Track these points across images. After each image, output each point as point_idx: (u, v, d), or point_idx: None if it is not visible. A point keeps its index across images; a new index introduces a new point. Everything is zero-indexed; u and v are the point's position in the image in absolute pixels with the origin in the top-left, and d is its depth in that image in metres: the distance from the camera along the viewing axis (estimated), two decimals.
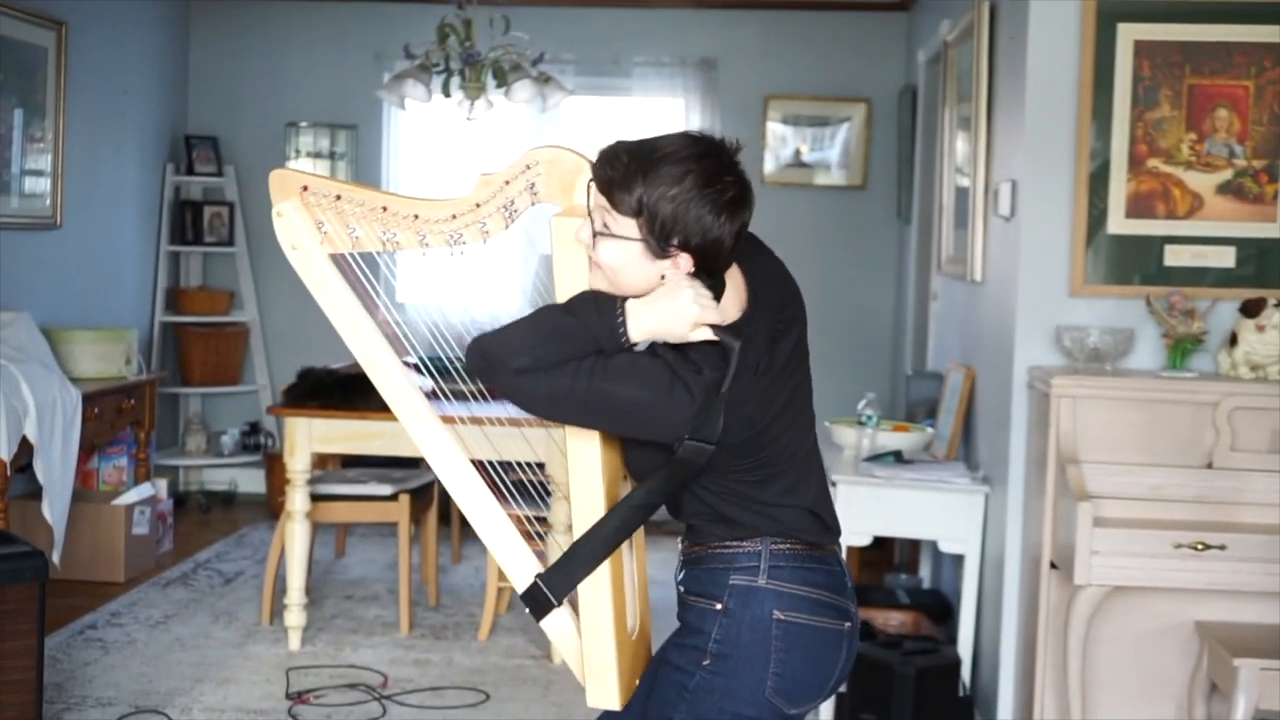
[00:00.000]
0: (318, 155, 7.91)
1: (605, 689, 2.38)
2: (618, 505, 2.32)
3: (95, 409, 5.94)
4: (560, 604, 2.38)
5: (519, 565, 2.42)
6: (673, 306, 2.21)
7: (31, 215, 6.27)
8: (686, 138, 2.22)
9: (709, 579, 2.36)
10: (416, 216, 2.40)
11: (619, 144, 2.23)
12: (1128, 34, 4.00)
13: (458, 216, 2.39)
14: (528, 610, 2.40)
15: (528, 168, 2.34)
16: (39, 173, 6.30)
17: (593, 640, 2.36)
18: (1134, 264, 4.04)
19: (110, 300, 7.11)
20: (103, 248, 7.03)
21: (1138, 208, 4.03)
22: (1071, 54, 4.03)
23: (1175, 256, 4.03)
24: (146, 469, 6.65)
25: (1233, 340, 3.89)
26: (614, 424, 2.27)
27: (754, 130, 7.68)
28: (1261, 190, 3.98)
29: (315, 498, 5.33)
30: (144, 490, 6.35)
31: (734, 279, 2.29)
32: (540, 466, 4.98)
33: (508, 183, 2.35)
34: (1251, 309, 3.84)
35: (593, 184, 2.25)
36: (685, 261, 2.21)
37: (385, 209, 2.41)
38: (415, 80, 6.12)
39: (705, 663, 2.33)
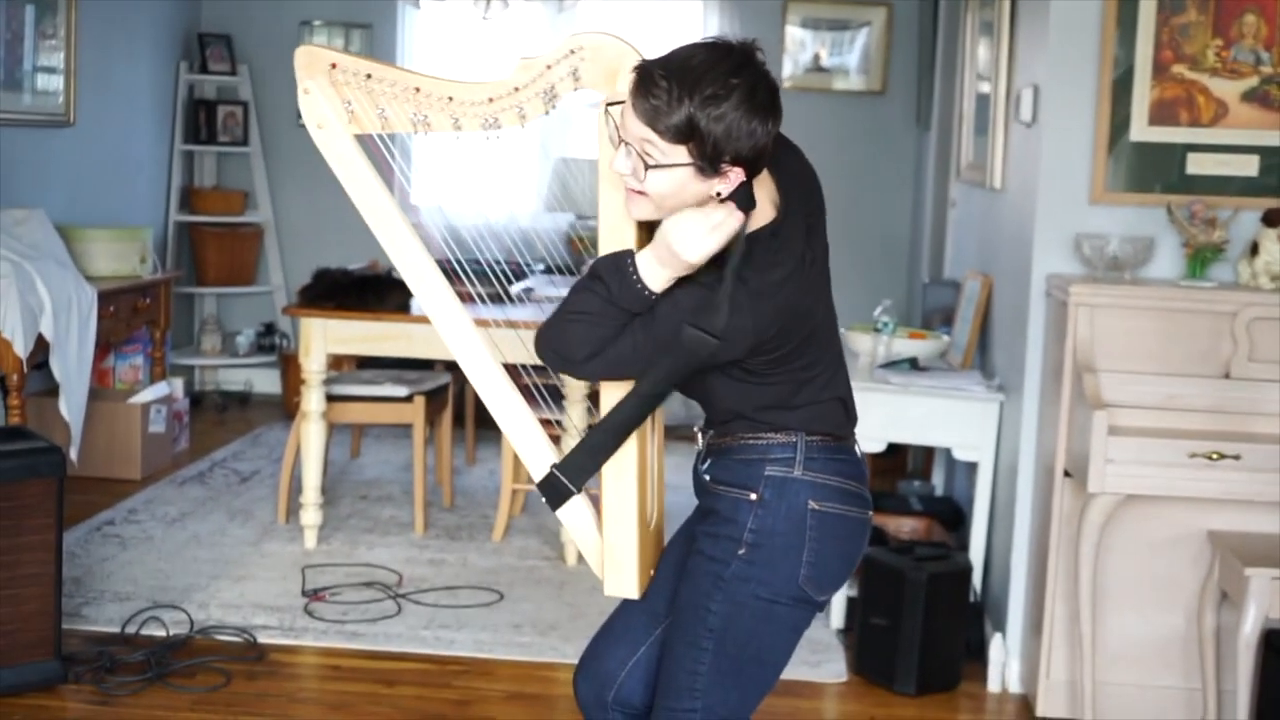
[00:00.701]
0: None
1: (625, 578, 2.40)
2: (626, 396, 2.33)
3: (111, 307, 5.95)
4: (578, 492, 2.40)
5: (537, 456, 2.43)
6: (682, 249, 2.19)
7: (44, 112, 6.23)
8: (715, 48, 2.17)
9: (743, 469, 2.37)
10: (451, 99, 2.36)
11: (649, 67, 2.17)
12: None
13: (494, 100, 2.34)
14: (544, 499, 2.42)
15: (571, 52, 2.29)
16: (51, 70, 6.25)
17: (615, 529, 2.38)
18: (1156, 172, 4.00)
19: (124, 199, 7.10)
20: (116, 146, 7.00)
21: (1161, 115, 3.98)
22: None
23: (1198, 165, 3.99)
24: (162, 368, 6.67)
25: (1254, 250, 3.86)
26: (687, 361, 2.26)
27: (773, 34, 7.59)
28: None
29: (330, 398, 5.35)
30: (160, 389, 6.38)
31: (763, 178, 2.27)
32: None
33: (549, 67, 2.30)
34: (1273, 218, 3.81)
35: (622, 111, 2.19)
36: (736, 174, 2.19)
37: (418, 90, 2.37)
38: None
39: (741, 552, 2.35)
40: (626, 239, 2.28)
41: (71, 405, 5.53)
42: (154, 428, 6.24)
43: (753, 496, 2.36)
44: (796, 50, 7.66)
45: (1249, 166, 3.97)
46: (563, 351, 2.29)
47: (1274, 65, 3.93)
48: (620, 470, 2.35)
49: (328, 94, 2.42)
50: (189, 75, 7.70)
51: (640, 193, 2.21)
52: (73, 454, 5.52)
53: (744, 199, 2.21)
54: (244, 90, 7.84)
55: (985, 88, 5.06)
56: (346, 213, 8.88)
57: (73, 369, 5.51)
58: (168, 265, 7.37)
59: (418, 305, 5.27)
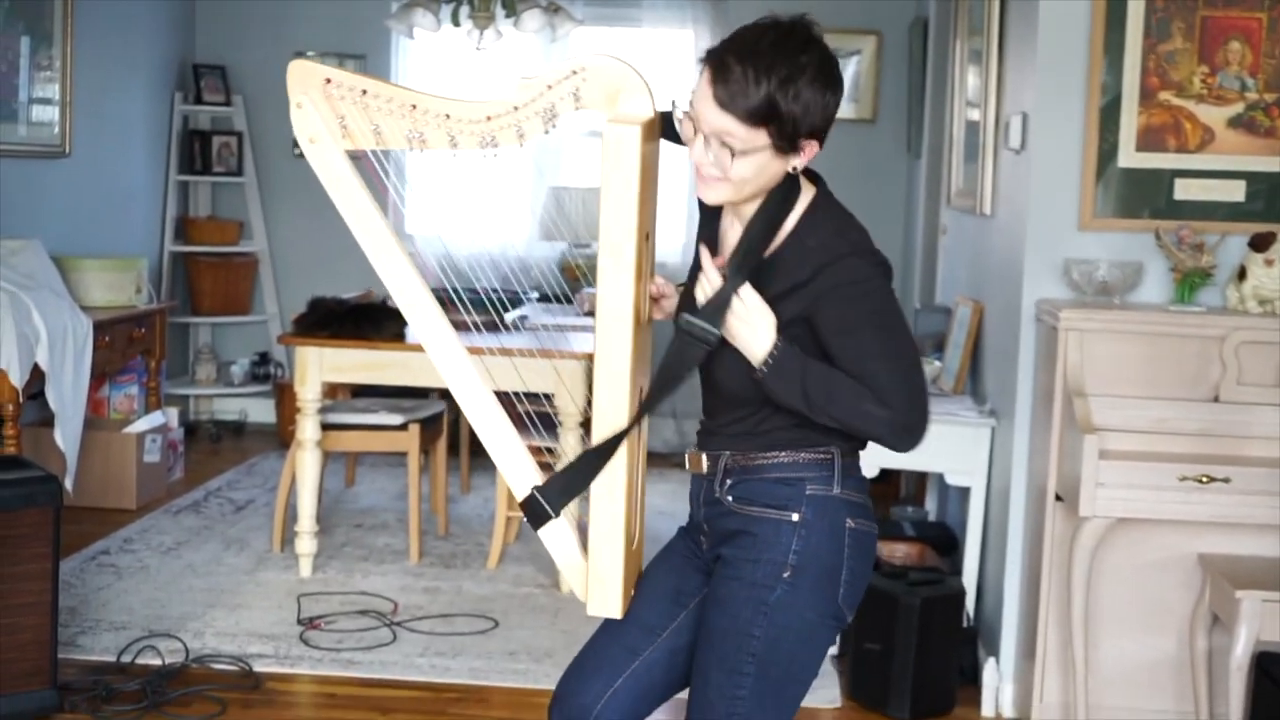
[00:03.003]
0: None
1: (609, 598, 2.39)
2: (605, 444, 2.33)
3: (106, 337, 5.97)
4: (555, 516, 2.39)
5: (521, 478, 2.43)
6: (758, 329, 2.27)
7: (40, 143, 6.27)
8: (778, 27, 2.22)
9: (780, 489, 2.36)
10: (448, 116, 2.35)
11: (721, 54, 2.21)
12: None
13: (493, 118, 2.33)
14: (526, 520, 2.42)
15: (573, 73, 2.30)
16: (47, 101, 6.29)
17: (601, 548, 2.37)
18: (1144, 198, 4.03)
19: (119, 229, 7.13)
20: (111, 176, 7.04)
21: (1148, 141, 4.01)
22: None
23: (1185, 190, 4.02)
24: (157, 398, 6.69)
25: (1241, 274, 3.89)
26: (679, 359, 2.30)
27: None
28: (1273, 124, 3.97)
29: (325, 427, 5.36)
30: (155, 419, 6.39)
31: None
32: (548, 398, 5.02)
33: (550, 86, 2.30)
34: (1260, 243, 3.84)
35: (693, 102, 2.24)
36: (812, 148, 2.27)
37: (414, 107, 2.36)
38: (424, 9, 6.10)
39: (785, 575, 2.33)
40: (627, 259, 2.28)
41: (67, 435, 5.54)
42: (149, 457, 6.25)
43: (794, 517, 2.34)
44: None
45: (1236, 192, 4.01)
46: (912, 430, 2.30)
47: (1259, 91, 3.96)
48: (610, 489, 2.34)
49: (321, 109, 2.41)
50: (184, 106, 7.74)
51: (720, 178, 2.26)
52: (68, 484, 5.54)
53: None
54: (238, 120, 7.88)
55: (974, 115, 5.10)
56: (341, 242, 8.88)
57: (68, 399, 5.53)
58: (163, 295, 7.39)
59: (412, 334, 5.31)
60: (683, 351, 2.29)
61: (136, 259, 6.53)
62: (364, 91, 2.39)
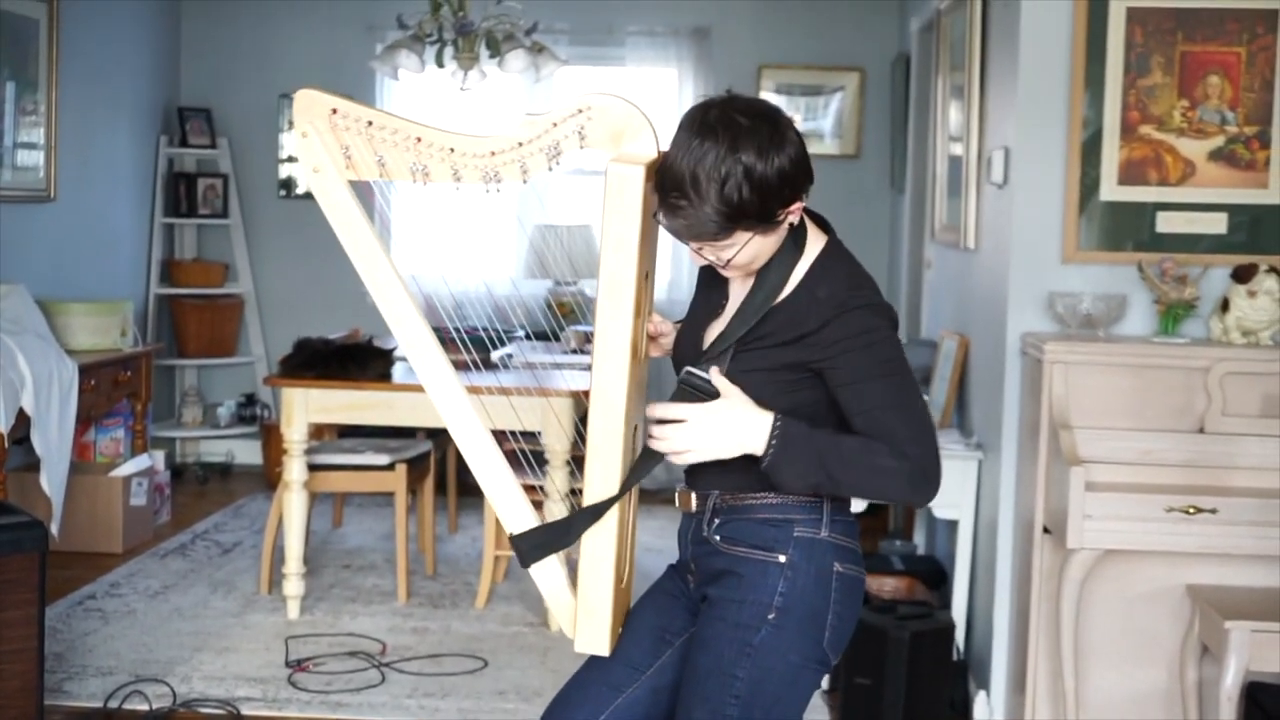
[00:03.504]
0: None
1: (598, 635, 2.38)
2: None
3: (92, 381, 5.96)
4: (525, 566, 2.40)
5: (516, 515, 2.42)
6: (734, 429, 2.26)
7: (25, 188, 6.27)
8: (686, 131, 2.21)
9: (767, 530, 2.35)
10: (452, 150, 2.35)
11: (659, 190, 2.23)
12: (1120, 1, 4.00)
13: (497, 154, 2.34)
14: (516, 555, 2.41)
15: (579, 111, 2.30)
16: (32, 145, 6.30)
17: (591, 584, 2.36)
18: (1126, 231, 4.06)
19: (105, 273, 7.12)
20: (97, 220, 7.04)
21: (1130, 175, 4.04)
22: (1064, 21, 4.04)
23: (1167, 223, 4.05)
24: (143, 441, 6.67)
25: (1224, 306, 3.92)
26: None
27: None
28: (1253, 156, 4.00)
29: (312, 468, 5.35)
30: (141, 462, 6.37)
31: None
32: (534, 435, 5.01)
33: (555, 124, 2.31)
34: (1243, 275, 3.87)
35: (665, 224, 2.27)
36: (796, 206, 2.26)
37: (419, 140, 2.36)
38: (408, 51, 6.12)
39: (770, 617, 2.32)
40: (627, 297, 2.29)
41: (53, 479, 5.53)
42: (135, 500, 6.23)
43: (781, 559, 2.33)
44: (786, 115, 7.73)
45: (1218, 224, 4.03)
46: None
47: (1239, 125, 4.00)
48: (601, 527, 2.35)
49: (326, 139, 2.41)
50: (169, 149, 7.75)
51: (726, 269, 2.31)
52: (54, 528, 5.51)
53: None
54: (224, 163, 7.89)
55: (957, 150, 5.13)
56: (327, 283, 8.92)
57: (54, 443, 5.51)
58: (148, 338, 7.38)
59: (399, 373, 5.32)
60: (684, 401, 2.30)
61: (122, 302, 6.53)
62: (370, 123, 2.40)
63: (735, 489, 2.38)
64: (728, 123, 2.19)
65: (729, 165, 2.17)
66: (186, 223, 7.89)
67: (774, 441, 2.23)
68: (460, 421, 2.46)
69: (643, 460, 2.34)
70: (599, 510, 2.33)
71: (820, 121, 7.77)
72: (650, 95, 7.71)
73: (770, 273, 2.31)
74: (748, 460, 2.30)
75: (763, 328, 2.31)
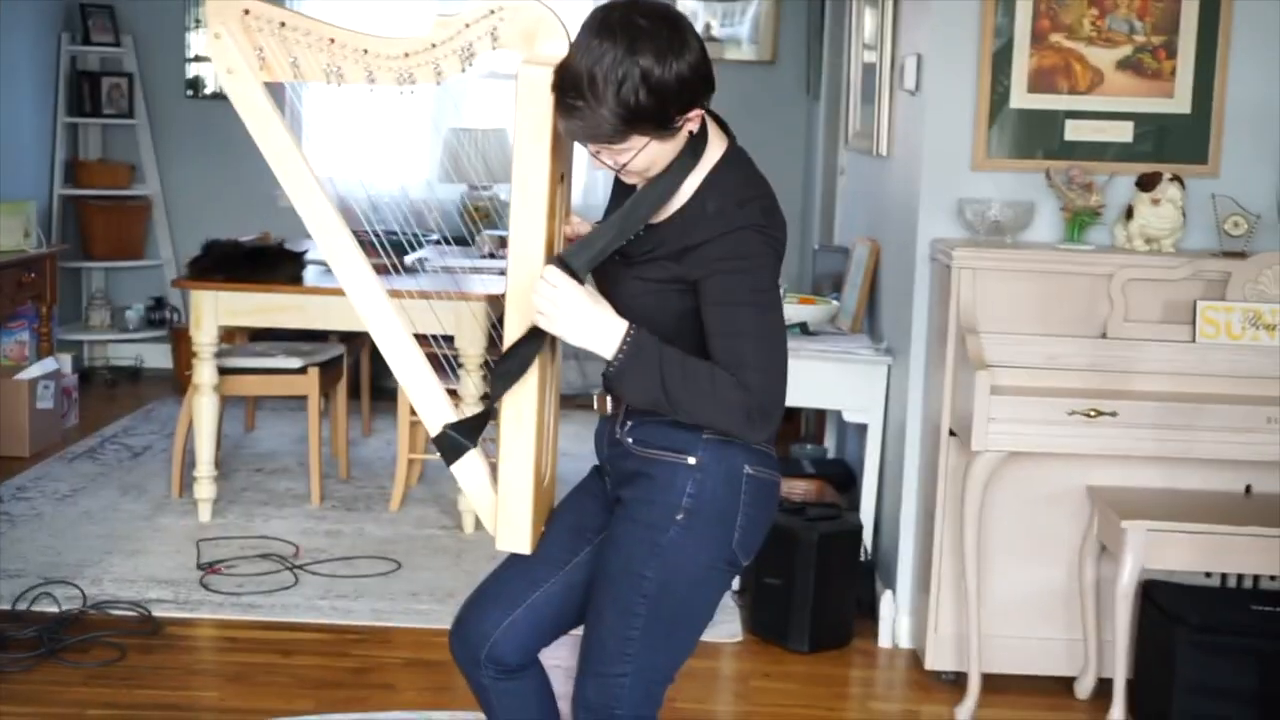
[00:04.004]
0: None
1: (518, 534, 2.41)
2: (515, 348, 2.33)
3: None
4: (474, 446, 2.41)
5: (437, 414, 2.44)
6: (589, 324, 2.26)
7: None
8: (588, 40, 2.18)
9: (677, 433, 2.35)
10: (366, 51, 2.35)
11: (556, 89, 2.20)
12: None
13: (410, 55, 2.34)
14: (440, 455, 2.43)
15: (490, 12, 2.30)
16: None
17: (511, 483, 2.38)
18: (1036, 139, 4.10)
19: (7, 173, 6.96)
20: None
21: (1040, 83, 4.07)
22: None
23: (1076, 131, 4.10)
24: (49, 344, 6.58)
25: (1128, 214, 3.98)
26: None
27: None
28: (1159, 66, 4.05)
29: (223, 371, 5.31)
30: (47, 365, 6.29)
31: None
32: (449, 339, 5.01)
33: (467, 25, 2.31)
34: (1146, 183, 3.93)
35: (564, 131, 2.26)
36: (695, 113, 2.25)
37: (333, 41, 2.36)
38: None
39: (679, 518, 2.35)
40: (539, 199, 2.29)
41: None
42: (42, 404, 6.15)
43: (691, 461, 2.35)
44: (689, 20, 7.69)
45: (1124, 133, 4.08)
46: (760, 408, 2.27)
47: (1147, 34, 4.04)
48: (519, 424, 2.36)
49: (239, 40, 2.39)
50: (71, 47, 7.56)
51: (626, 173, 2.29)
52: None
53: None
54: (129, 61, 7.71)
55: (871, 57, 5.14)
56: (237, 185, 8.78)
57: None
58: (53, 239, 7.25)
59: (310, 276, 5.27)
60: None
61: (25, 203, 6.41)
62: (282, 24, 2.38)
63: None
64: (627, 25, 2.17)
65: (626, 67, 2.15)
66: (91, 122, 7.73)
67: (622, 350, 2.25)
68: (381, 325, 2.47)
69: (531, 335, 2.33)
70: (511, 371, 2.32)
71: (737, 27, 7.74)
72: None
73: (660, 181, 2.29)
74: None
75: (653, 238, 2.31)
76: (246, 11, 2.39)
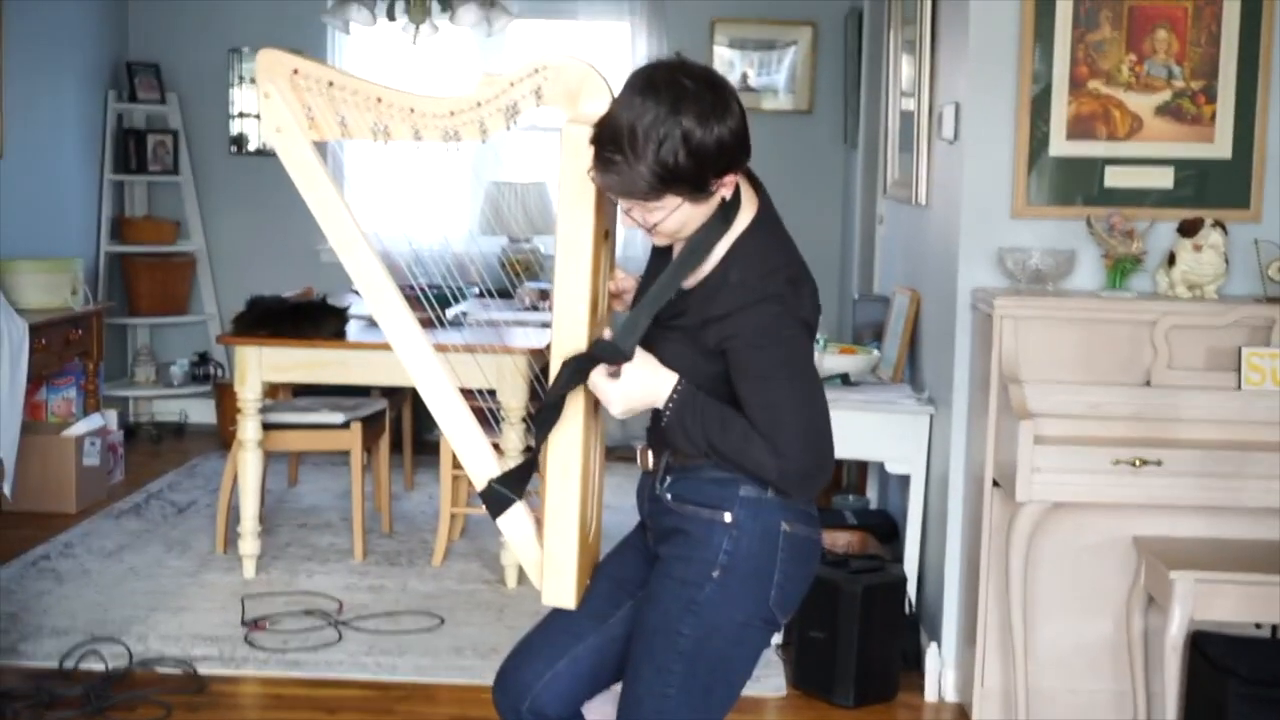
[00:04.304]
0: None
1: (563, 587, 2.42)
2: (549, 403, 2.36)
3: (43, 340, 5.92)
4: (520, 499, 2.43)
5: (482, 468, 2.46)
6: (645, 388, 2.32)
7: None
8: (632, 89, 2.21)
9: (713, 489, 2.37)
10: (412, 110, 2.40)
11: (596, 143, 2.22)
12: None
13: (456, 114, 2.39)
14: (486, 509, 2.45)
15: (535, 71, 2.34)
16: None
17: (556, 537, 2.40)
18: (1075, 186, 4.08)
19: (55, 230, 7.05)
20: (45, 177, 6.96)
21: (1079, 129, 4.07)
22: None
23: (1115, 178, 4.08)
24: (95, 400, 6.63)
25: (1170, 260, 3.95)
26: (578, 366, 2.33)
27: (701, 55, 7.64)
28: (1199, 111, 4.03)
29: (267, 426, 5.34)
30: (93, 421, 6.34)
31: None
32: (492, 393, 5.02)
33: (513, 84, 2.36)
34: (1188, 229, 3.90)
35: (597, 184, 2.27)
36: (731, 179, 2.26)
37: (380, 100, 2.41)
38: (359, 4, 6.08)
39: (714, 574, 2.35)
40: (584, 255, 2.31)
41: (4, 440, 5.49)
42: (88, 460, 6.20)
43: (727, 518, 2.35)
44: (725, 70, 7.73)
45: (1164, 179, 4.07)
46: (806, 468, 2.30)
47: (1185, 79, 4.02)
48: (564, 479, 2.38)
49: (288, 98, 2.44)
50: (117, 104, 7.67)
51: (655, 233, 2.31)
52: (6, 489, 5.49)
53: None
54: (173, 119, 7.81)
55: (909, 105, 5.14)
56: (280, 240, 8.85)
57: (5, 403, 5.47)
58: (99, 296, 7.32)
59: (353, 331, 5.31)
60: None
61: (72, 260, 6.48)
62: (330, 83, 2.43)
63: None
64: (672, 85, 2.19)
65: (668, 126, 2.17)
66: (137, 179, 7.82)
67: (671, 402, 2.30)
68: (427, 379, 2.50)
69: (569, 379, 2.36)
70: (550, 420, 2.36)
71: (773, 77, 7.76)
72: (603, 51, 7.69)
73: (693, 249, 2.31)
74: None
75: (679, 305, 2.33)
76: (296, 71, 2.44)
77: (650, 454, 2.48)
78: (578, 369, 2.32)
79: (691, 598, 2.35)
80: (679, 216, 2.26)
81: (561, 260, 2.32)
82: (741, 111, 2.26)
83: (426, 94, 2.41)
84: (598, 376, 2.31)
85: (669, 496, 2.42)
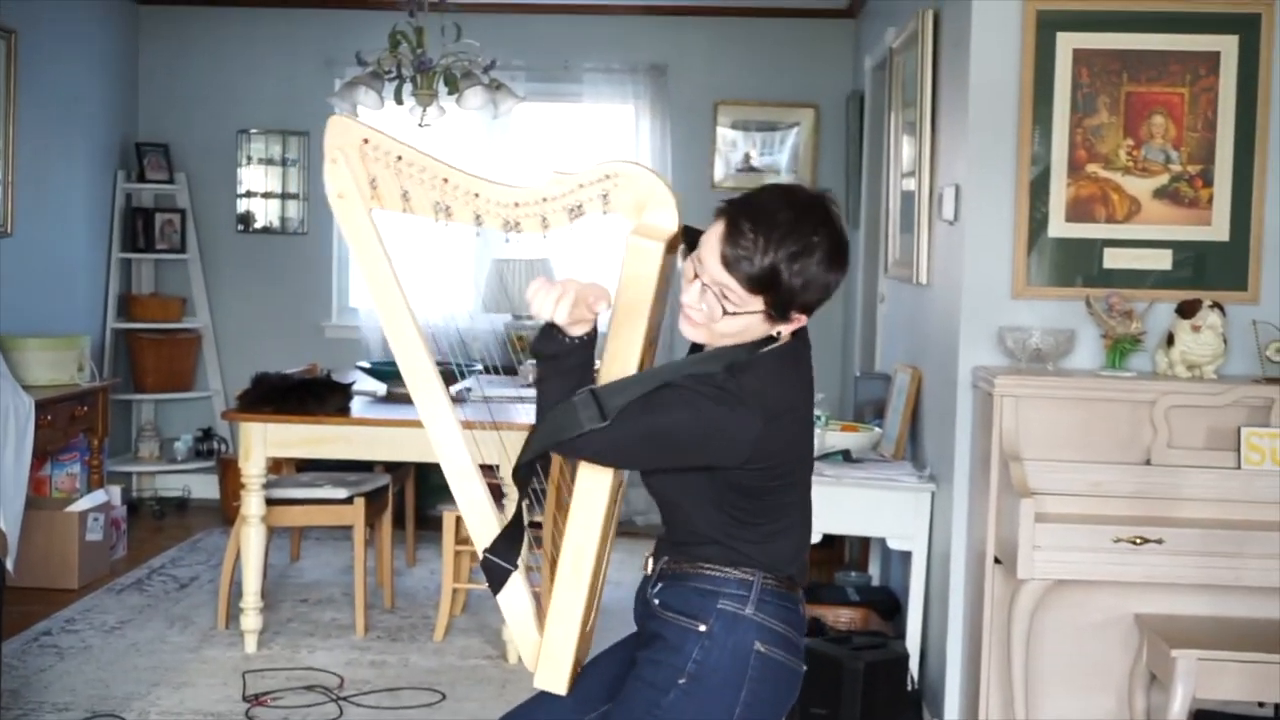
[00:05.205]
0: (269, 162, 7.95)
1: (558, 674, 2.43)
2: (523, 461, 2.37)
3: (48, 416, 5.95)
4: (514, 567, 2.44)
5: (486, 536, 2.47)
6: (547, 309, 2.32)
7: None
8: (796, 201, 2.26)
9: (695, 599, 2.39)
10: (478, 195, 2.41)
11: (736, 215, 2.25)
12: (1067, 43, 4.09)
13: (520, 205, 2.39)
14: (488, 584, 2.46)
15: (606, 177, 2.36)
16: None
17: (558, 625, 2.41)
18: (1075, 266, 4.14)
19: (62, 308, 7.11)
20: (54, 255, 7.03)
21: (1078, 212, 4.12)
22: (1013, 62, 4.12)
23: (1114, 259, 4.14)
24: (99, 476, 6.65)
25: (1169, 340, 4.00)
26: (550, 431, 2.32)
27: (704, 136, 7.78)
28: (1196, 194, 4.09)
29: (270, 502, 5.36)
30: (97, 497, 6.35)
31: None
32: (495, 468, 5.03)
33: (582, 185, 2.37)
34: (1187, 310, 3.95)
35: (700, 252, 2.28)
36: (799, 319, 2.30)
37: (446, 180, 2.42)
38: (367, 87, 6.17)
39: (680, 681, 2.36)
40: (631, 363, 2.34)
41: (8, 515, 5.50)
42: (91, 536, 6.21)
43: (701, 628, 2.37)
44: (728, 150, 7.83)
45: (1163, 260, 4.12)
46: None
47: (1183, 163, 4.09)
48: (575, 574, 2.39)
49: (355, 167, 2.45)
50: (126, 184, 7.75)
51: (704, 325, 2.31)
52: (9, 564, 5.48)
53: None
54: (181, 198, 7.90)
55: (910, 186, 5.20)
56: (285, 317, 8.91)
57: (9, 479, 5.49)
58: (105, 373, 7.37)
59: (357, 408, 5.33)
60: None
61: (79, 337, 6.52)
62: (399, 157, 2.44)
63: (683, 558, 2.43)
64: (829, 219, 2.26)
65: (810, 244, 2.23)
66: (144, 258, 7.89)
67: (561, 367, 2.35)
68: (451, 454, 2.51)
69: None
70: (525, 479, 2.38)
71: (775, 157, 7.85)
72: (607, 131, 7.79)
73: (716, 355, 2.33)
74: (704, 531, 2.38)
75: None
76: (366, 141, 2.45)
77: (650, 559, 2.52)
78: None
79: (656, 701, 2.37)
80: (743, 322, 2.29)
81: (609, 367, 2.35)
82: (840, 281, 2.33)
83: (494, 181, 2.41)
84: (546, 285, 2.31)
85: (656, 602, 2.45)
